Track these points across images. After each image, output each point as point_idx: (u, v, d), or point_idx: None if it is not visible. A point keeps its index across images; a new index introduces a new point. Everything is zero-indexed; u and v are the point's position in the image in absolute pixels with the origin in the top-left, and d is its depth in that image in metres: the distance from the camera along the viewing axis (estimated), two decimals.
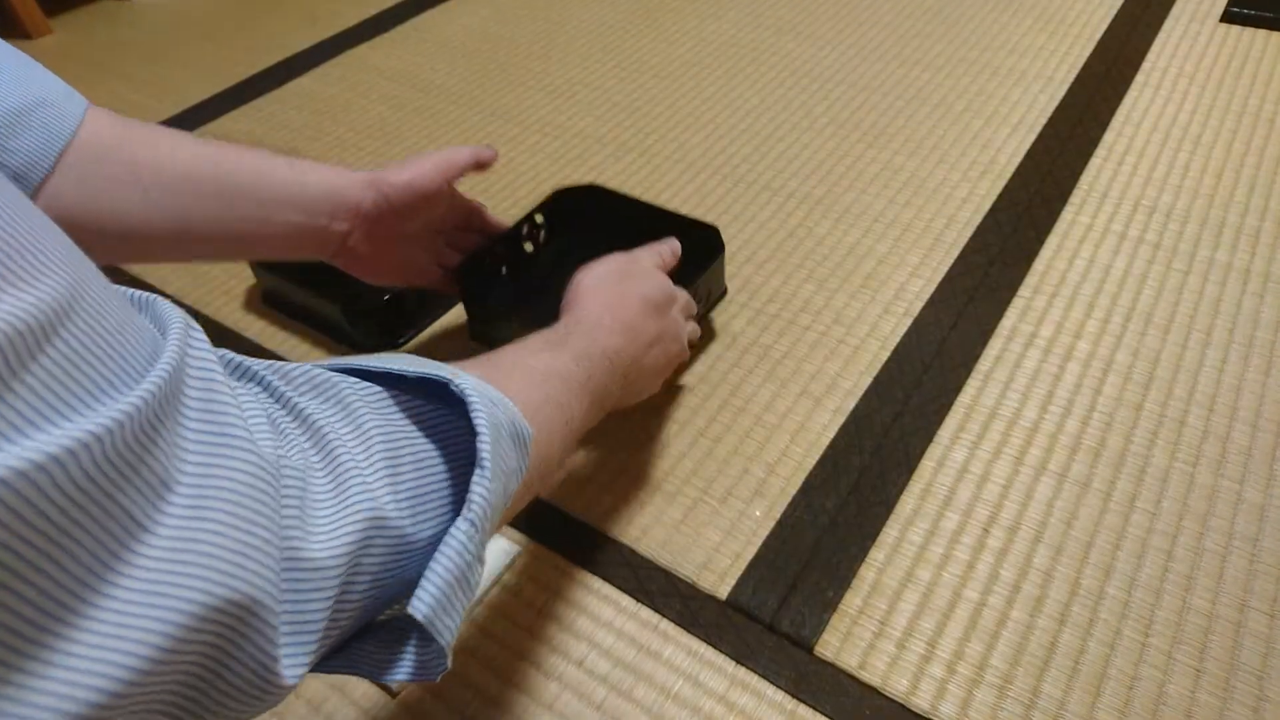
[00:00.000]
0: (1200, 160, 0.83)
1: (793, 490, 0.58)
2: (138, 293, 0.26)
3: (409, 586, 0.31)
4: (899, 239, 0.77)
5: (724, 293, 0.69)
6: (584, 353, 0.46)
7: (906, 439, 0.60)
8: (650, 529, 0.57)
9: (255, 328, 0.74)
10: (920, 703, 0.48)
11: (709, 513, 0.57)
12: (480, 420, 0.31)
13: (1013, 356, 0.66)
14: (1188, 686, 0.47)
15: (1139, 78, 0.94)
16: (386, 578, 0.30)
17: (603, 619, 0.52)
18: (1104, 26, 1.04)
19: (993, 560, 0.53)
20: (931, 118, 0.91)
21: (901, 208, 0.80)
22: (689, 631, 0.51)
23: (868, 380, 0.65)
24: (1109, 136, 0.87)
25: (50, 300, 0.20)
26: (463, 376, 0.33)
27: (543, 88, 1.02)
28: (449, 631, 0.30)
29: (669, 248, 0.59)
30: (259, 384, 0.28)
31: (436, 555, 0.30)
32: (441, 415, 0.33)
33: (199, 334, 0.25)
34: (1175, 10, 1.05)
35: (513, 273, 0.69)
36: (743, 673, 0.50)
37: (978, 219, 0.78)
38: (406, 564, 0.30)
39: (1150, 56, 0.98)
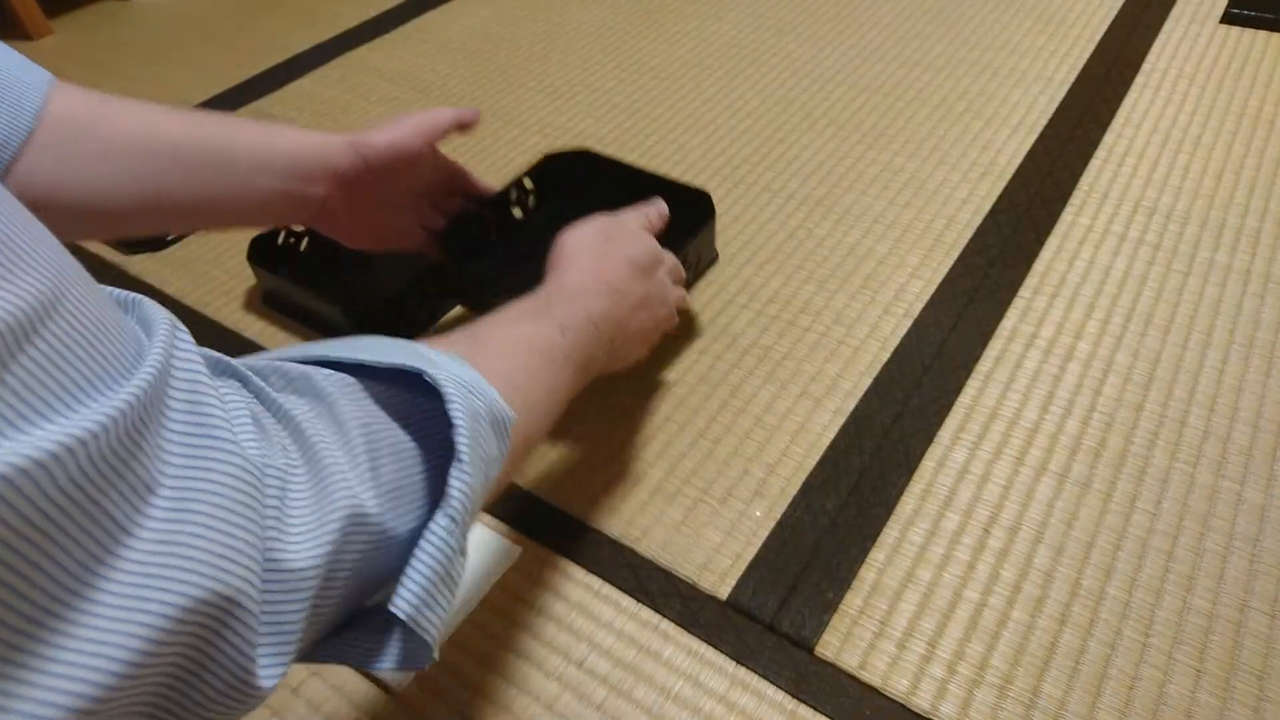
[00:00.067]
0: (1200, 161, 0.83)
1: (793, 491, 0.58)
2: (123, 293, 0.25)
3: (392, 575, 0.30)
4: (899, 240, 0.77)
5: (715, 259, 0.69)
6: (568, 320, 0.45)
7: (907, 440, 0.60)
8: (651, 529, 0.57)
9: (255, 328, 0.74)
10: (920, 703, 0.48)
11: (709, 513, 0.57)
12: (457, 412, 0.31)
13: (1013, 357, 0.66)
14: (1188, 687, 0.47)
15: (1139, 79, 0.94)
16: (367, 570, 0.30)
17: (603, 619, 0.52)
18: (1104, 27, 1.04)
19: (993, 561, 0.53)
20: (931, 119, 0.91)
21: (901, 209, 0.80)
22: (689, 632, 0.51)
23: (868, 381, 0.65)
24: (1109, 138, 0.87)
25: (31, 298, 0.20)
26: (439, 363, 0.32)
27: (543, 89, 1.02)
28: (433, 626, 0.30)
29: (656, 209, 0.58)
30: (240, 380, 0.28)
31: (416, 552, 0.30)
32: (417, 403, 0.32)
33: (184, 334, 0.25)
34: (1175, 11, 1.06)
35: (501, 238, 0.68)
36: (743, 673, 0.50)
37: (978, 220, 0.78)
38: (387, 557, 0.30)
39: (1150, 58, 0.98)
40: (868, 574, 0.53)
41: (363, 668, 0.31)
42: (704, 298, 0.72)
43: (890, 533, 0.55)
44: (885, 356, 0.66)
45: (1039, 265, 0.73)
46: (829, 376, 0.65)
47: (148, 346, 0.23)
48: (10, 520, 0.18)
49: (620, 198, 0.60)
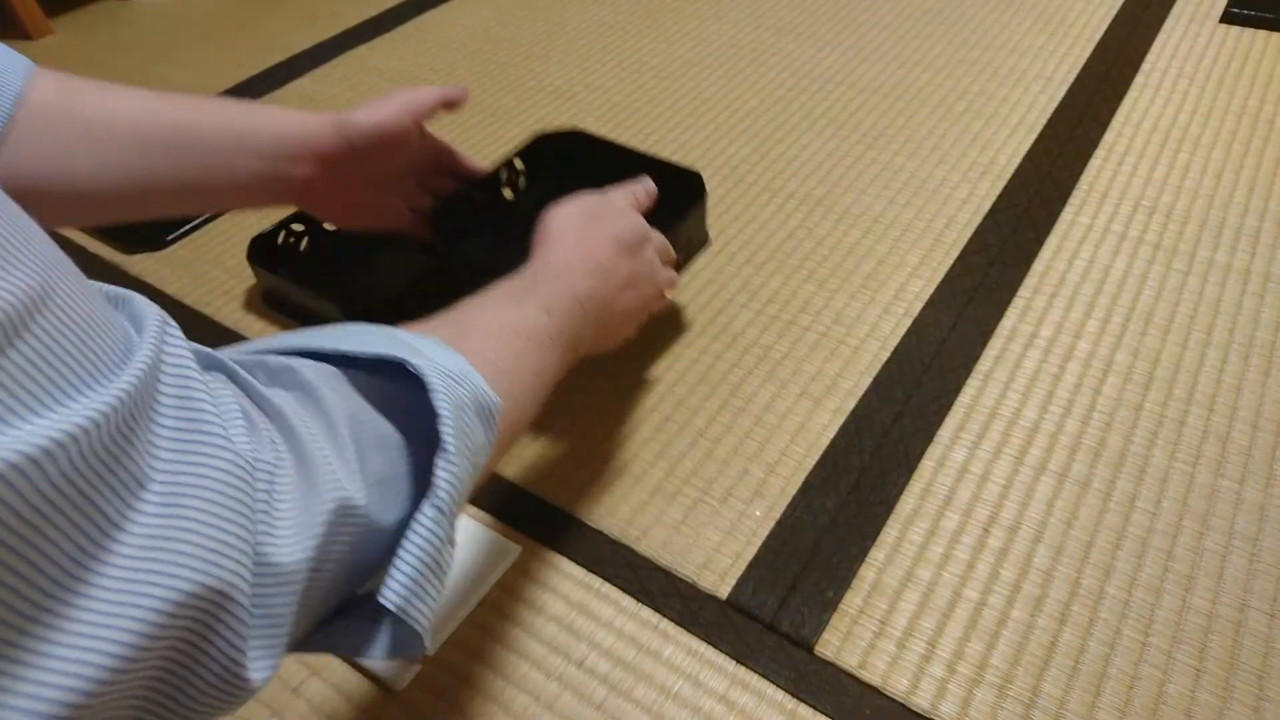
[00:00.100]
0: (1200, 161, 0.83)
1: (793, 490, 0.58)
2: (113, 288, 0.25)
3: (380, 565, 0.30)
4: (899, 240, 0.77)
5: (706, 242, 0.68)
6: (553, 302, 0.44)
7: (906, 439, 0.61)
8: (650, 529, 0.57)
9: (255, 328, 0.74)
10: (920, 702, 0.48)
11: (709, 513, 0.57)
12: (441, 402, 0.31)
13: (1013, 357, 0.66)
14: (1188, 686, 0.47)
15: (1139, 78, 0.94)
16: (355, 561, 0.30)
17: (603, 619, 0.52)
18: (1104, 27, 1.04)
19: (993, 560, 0.53)
20: (931, 118, 0.91)
21: (901, 208, 0.80)
22: (689, 631, 0.51)
23: (868, 380, 0.65)
24: (1109, 137, 0.87)
25: (21, 292, 0.20)
26: (422, 351, 0.32)
27: (543, 88, 1.02)
28: (424, 617, 0.30)
29: (643, 187, 0.57)
30: (226, 374, 0.28)
31: (404, 543, 0.30)
32: (400, 393, 0.32)
33: (174, 329, 0.25)
34: (1175, 11, 1.06)
35: (492, 218, 0.67)
36: (743, 672, 0.50)
37: (977, 220, 0.78)
38: (375, 547, 0.30)
39: (1150, 57, 0.98)
40: (867, 573, 0.53)
41: (354, 657, 0.31)
42: (704, 297, 0.72)
43: (890, 532, 0.55)
44: (885, 356, 0.66)
45: (1039, 265, 0.73)
46: (829, 376, 0.65)
47: (137, 342, 0.23)
48: (3, 515, 0.18)
49: (612, 178, 0.59)
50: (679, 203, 0.62)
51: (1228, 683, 0.48)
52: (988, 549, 0.54)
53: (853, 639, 0.50)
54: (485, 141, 0.93)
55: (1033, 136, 0.87)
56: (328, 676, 0.51)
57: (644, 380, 0.66)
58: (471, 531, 0.57)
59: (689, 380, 0.66)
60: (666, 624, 0.52)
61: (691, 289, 0.73)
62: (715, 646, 0.51)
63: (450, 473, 0.30)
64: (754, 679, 0.49)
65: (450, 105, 0.59)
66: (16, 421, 0.19)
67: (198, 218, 0.85)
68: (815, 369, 0.66)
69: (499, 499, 0.59)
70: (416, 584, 0.29)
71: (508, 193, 0.68)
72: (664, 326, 0.70)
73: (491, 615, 0.53)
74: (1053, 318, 0.69)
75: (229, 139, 0.50)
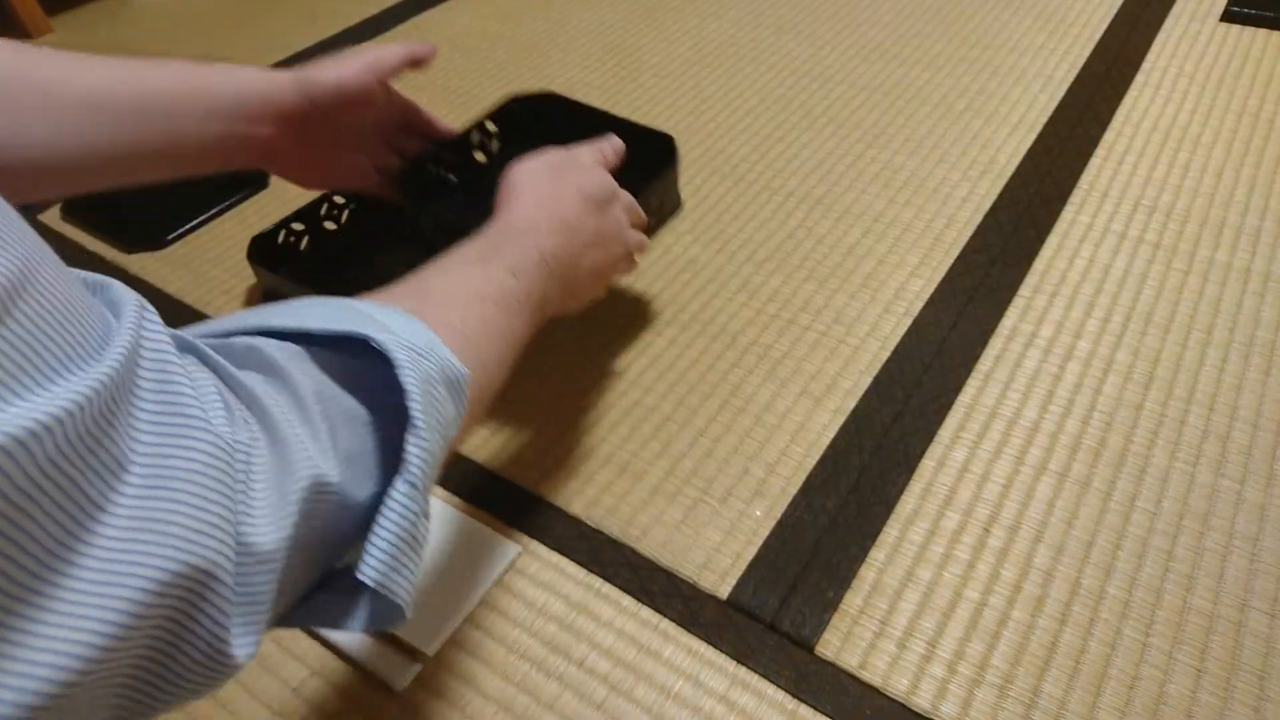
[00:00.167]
0: (1200, 160, 0.83)
1: (793, 490, 0.58)
2: (91, 275, 0.26)
3: (355, 540, 0.31)
4: (899, 239, 0.77)
5: (679, 207, 0.67)
6: (519, 262, 0.44)
7: (907, 439, 0.60)
8: (651, 529, 0.57)
9: None
10: (921, 702, 0.48)
11: (709, 513, 0.57)
12: (408, 378, 0.31)
13: (1013, 356, 0.66)
14: (1188, 686, 0.47)
15: (1139, 77, 0.94)
16: (332, 537, 0.30)
17: (603, 619, 0.52)
18: (1104, 26, 1.04)
19: (993, 560, 0.53)
20: (931, 117, 0.91)
21: (901, 207, 0.80)
22: (689, 631, 0.51)
23: (868, 380, 0.65)
24: (1109, 136, 0.87)
25: (2, 278, 0.20)
26: (386, 324, 0.32)
27: (543, 87, 1.02)
28: (403, 589, 0.30)
29: (610, 145, 0.56)
30: (198, 357, 0.28)
31: (379, 519, 0.30)
32: (365, 369, 0.32)
33: (152, 314, 0.25)
34: (1175, 10, 1.05)
35: (462, 180, 0.66)
36: (743, 672, 0.50)
37: (978, 219, 0.78)
38: (349, 523, 0.30)
39: (1150, 56, 0.98)
40: (868, 573, 0.53)
41: (334, 629, 0.32)
42: (704, 296, 0.72)
43: (890, 532, 0.55)
44: (885, 355, 0.66)
45: (1039, 264, 0.73)
46: (829, 375, 0.65)
47: (115, 328, 0.24)
48: None
49: (586, 140, 0.58)
50: (651, 165, 0.61)
51: (1228, 683, 0.48)
52: (988, 549, 0.54)
53: (853, 639, 0.50)
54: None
55: (1033, 135, 0.87)
56: (328, 676, 0.51)
57: (644, 380, 0.66)
58: (471, 531, 0.57)
59: (689, 379, 0.66)
60: (667, 624, 0.52)
61: (692, 287, 0.73)
62: (716, 646, 0.51)
63: (421, 448, 0.30)
64: (754, 679, 0.49)
65: (416, 64, 0.57)
66: (2, 405, 0.19)
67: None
68: (815, 368, 0.66)
69: (497, 497, 0.59)
70: (394, 558, 0.30)
71: (480, 155, 0.67)
72: (664, 325, 0.70)
73: (491, 615, 0.53)
74: (1053, 317, 0.69)
75: (189, 102, 0.49)
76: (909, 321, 0.69)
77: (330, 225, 0.77)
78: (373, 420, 0.32)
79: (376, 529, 0.30)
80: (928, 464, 0.59)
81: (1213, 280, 0.71)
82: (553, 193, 0.49)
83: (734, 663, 0.50)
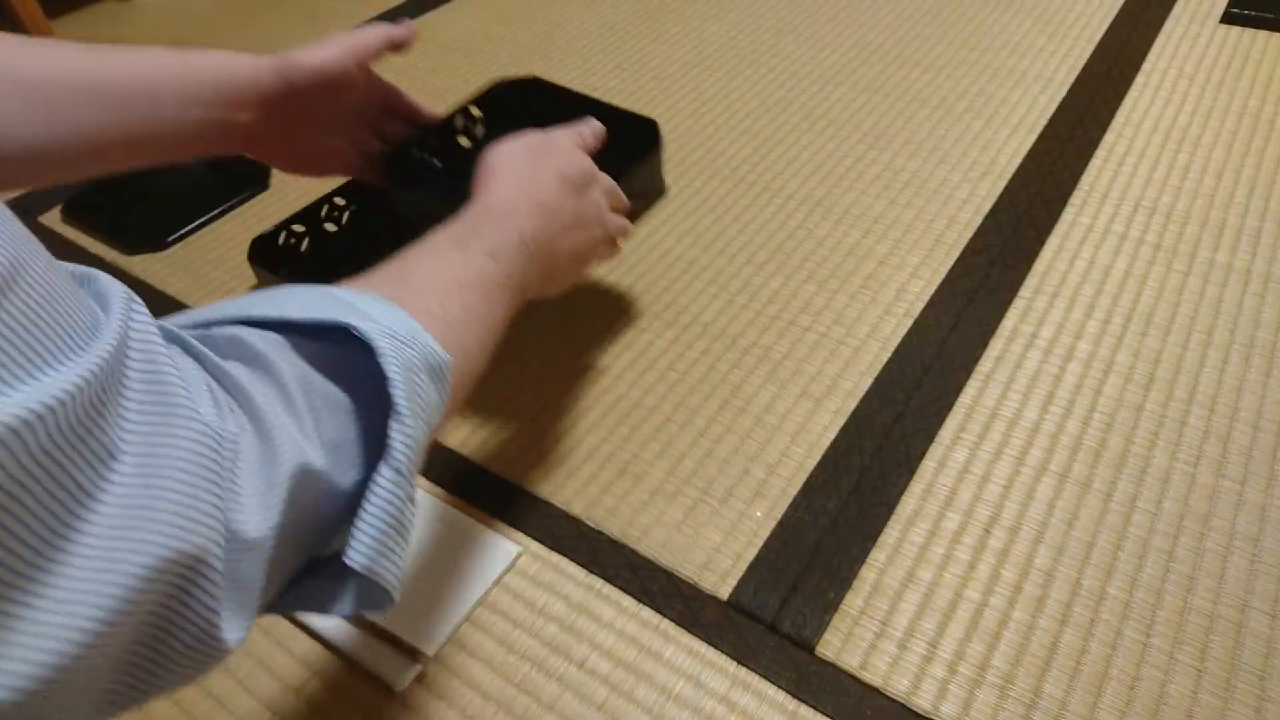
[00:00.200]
0: (1200, 161, 0.83)
1: (794, 491, 0.58)
2: (78, 267, 0.26)
3: (341, 526, 0.31)
4: (899, 240, 0.77)
5: (663, 193, 0.67)
6: (497, 245, 0.44)
7: (907, 440, 0.60)
8: (651, 530, 0.57)
9: None
10: (921, 703, 0.48)
11: (710, 513, 0.57)
12: (390, 365, 0.31)
13: (1013, 357, 0.66)
14: (1189, 687, 0.47)
15: (1139, 79, 0.94)
16: (320, 523, 0.30)
17: (604, 619, 0.52)
18: (1104, 27, 1.04)
19: (994, 561, 0.53)
20: (931, 119, 0.91)
21: (902, 209, 0.80)
22: (690, 632, 0.51)
23: (868, 381, 0.65)
24: (1109, 137, 0.87)
25: None
26: (367, 312, 0.32)
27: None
28: (390, 574, 0.31)
29: (590, 127, 0.56)
30: (182, 347, 0.28)
31: (365, 505, 0.30)
32: (347, 357, 0.32)
33: (139, 305, 0.26)
34: (1175, 11, 1.06)
35: (446, 166, 0.65)
36: (744, 673, 0.50)
37: (978, 220, 0.78)
38: (335, 509, 0.31)
39: (1150, 57, 0.98)
40: (869, 574, 0.53)
41: (322, 613, 0.32)
42: (704, 297, 0.72)
43: (891, 533, 0.55)
44: (886, 356, 0.66)
45: (1039, 265, 0.73)
46: (829, 376, 0.65)
47: (103, 320, 0.24)
48: None
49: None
50: (634, 149, 0.61)
51: (1229, 683, 0.47)
52: (989, 550, 0.54)
53: (854, 640, 0.50)
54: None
55: (1033, 137, 0.87)
56: (328, 676, 0.51)
57: (644, 380, 0.66)
58: (472, 532, 0.57)
59: (689, 380, 0.66)
60: (667, 624, 0.52)
61: (693, 289, 0.73)
62: (716, 647, 0.51)
63: (405, 434, 0.31)
64: (755, 680, 0.49)
65: (397, 47, 0.57)
66: None
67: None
68: (816, 369, 0.66)
69: (497, 498, 0.59)
70: (381, 543, 0.30)
71: (465, 140, 0.66)
72: (664, 327, 0.70)
73: (492, 616, 0.53)
74: (1053, 318, 0.69)
75: (170, 90, 0.49)
76: (909, 323, 0.69)
77: (331, 227, 0.77)
78: (355, 408, 0.32)
79: (363, 514, 0.30)
80: (928, 465, 0.59)
81: (1213, 281, 0.71)
82: (531, 175, 0.49)
83: (735, 663, 0.50)
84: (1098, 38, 1.02)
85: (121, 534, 0.22)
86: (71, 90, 0.46)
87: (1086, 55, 0.99)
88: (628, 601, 0.53)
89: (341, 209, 0.77)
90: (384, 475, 0.30)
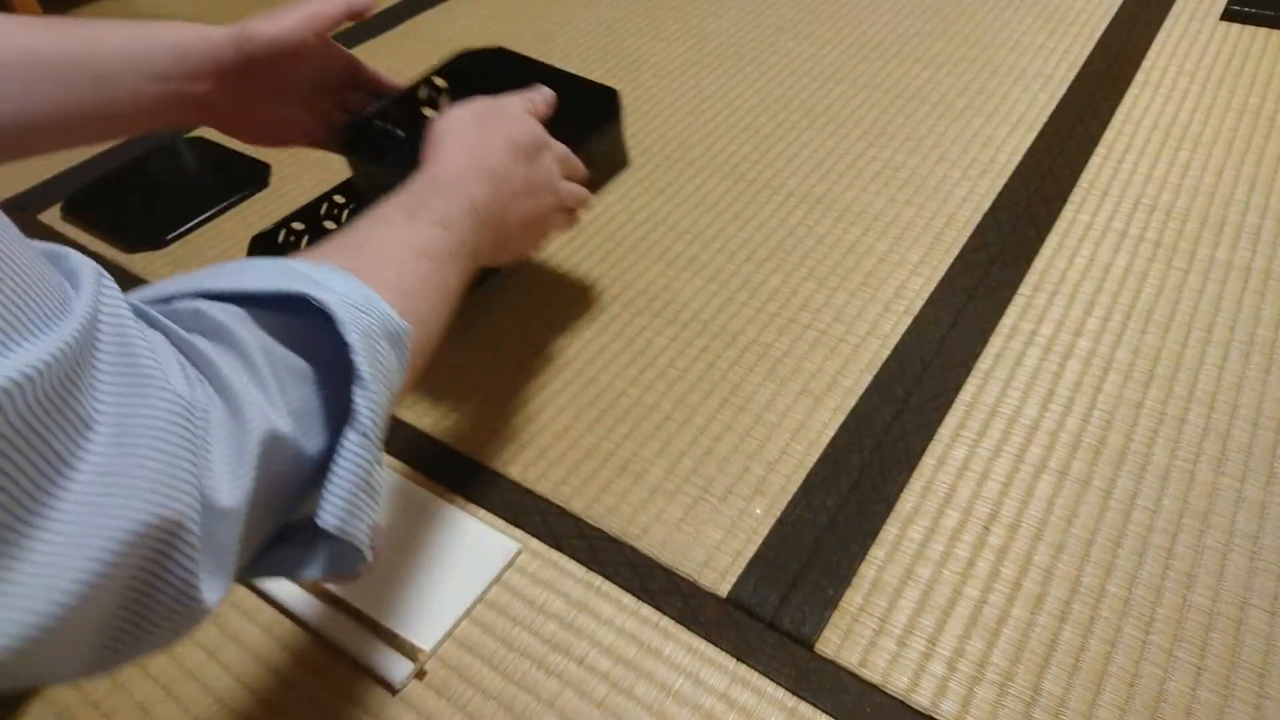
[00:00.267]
0: (1201, 158, 0.83)
1: (793, 488, 0.58)
2: (50, 246, 0.26)
3: (309, 494, 0.32)
4: (899, 237, 0.77)
5: (626, 163, 0.66)
6: (448, 214, 0.44)
7: (907, 437, 0.60)
8: (651, 527, 0.57)
9: None
10: (921, 700, 0.48)
11: (709, 511, 0.57)
12: (352, 334, 0.31)
13: (1013, 355, 0.66)
14: (1188, 684, 0.47)
15: (1139, 76, 0.94)
16: (292, 488, 0.31)
17: (603, 616, 0.52)
18: (1104, 24, 1.04)
19: (993, 558, 0.53)
20: (931, 116, 0.91)
21: (902, 206, 0.80)
22: (690, 629, 0.51)
23: (868, 378, 0.65)
24: (1109, 135, 0.87)
25: None
26: (324, 283, 0.33)
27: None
28: (361, 534, 0.32)
29: (540, 95, 0.56)
30: (147, 322, 0.28)
31: (334, 468, 0.31)
32: (307, 328, 0.32)
33: (109, 281, 0.26)
34: (1176, 8, 1.05)
35: (411, 137, 0.64)
36: (743, 670, 0.50)
37: (978, 217, 0.78)
38: (302, 476, 0.32)
39: (1151, 55, 0.98)
40: (868, 571, 0.53)
41: (292, 578, 0.33)
42: (704, 295, 0.72)
43: (890, 530, 0.55)
44: (885, 354, 0.66)
45: (1039, 263, 0.73)
46: (829, 374, 0.65)
47: (74, 297, 0.24)
48: None
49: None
50: (594, 119, 0.61)
51: (1228, 680, 0.48)
52: (988, 547, 0.54)
53: (853, 637, 0.50)
54: None
55: (1033, 134, 0.87)
56: (328, 676, 0.51)
57: (643, 378, 0.66)
58: (471, 529, 0.57)
59: (689, 378, 0.66)
60: (667, 622, 0.52)
61: (692, 286, 0.73)
62: (716, 644, 0.51)
63: (369, 400, 0.31)
64: (754, 677, 0.49)
65: (355, 15, 0.57)
66: None
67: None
68: (815, 367, 0.66)
69: (497, 496, 0.59)
70: (351, 504, 0.31)
71: (430, 111, 0.66)
72: (664, 324, 0.70)
73: (492, 612, 0.53)
74: (1053, 315, 0.69)
75: (127, 63, 0.49)
76: (909, 320, 0.69)
77: (330, 225, 0.77)
78: (318, 377, 0.32)
79: (332, 477, 0.31)
80: (928, 462, 0.59)
81: (1213, 279, 0.71)
82: (479, 141, 0.49)
83: (734, 660, 0.50)
84: (1098, 35, 1.02)
85: (100, 500, 0.23)
86: (29, 67, 0.45)
87: (1087, 52, 0.99)
88: (627, 599, 0.53)
89: (341, 207, 0.77)
90: (351, 439, 0.31)
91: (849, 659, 0.49)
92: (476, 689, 0.50)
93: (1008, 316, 0.69)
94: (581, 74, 0.65)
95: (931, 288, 0.72)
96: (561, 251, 0.78)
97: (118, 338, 0.25)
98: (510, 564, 0.55)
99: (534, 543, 0.56)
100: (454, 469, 0.61)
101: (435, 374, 0.68)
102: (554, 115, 0.57)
